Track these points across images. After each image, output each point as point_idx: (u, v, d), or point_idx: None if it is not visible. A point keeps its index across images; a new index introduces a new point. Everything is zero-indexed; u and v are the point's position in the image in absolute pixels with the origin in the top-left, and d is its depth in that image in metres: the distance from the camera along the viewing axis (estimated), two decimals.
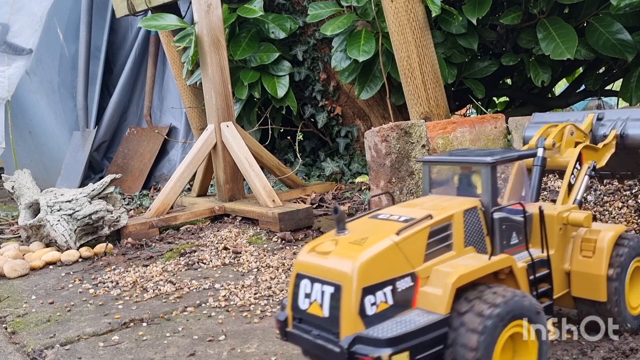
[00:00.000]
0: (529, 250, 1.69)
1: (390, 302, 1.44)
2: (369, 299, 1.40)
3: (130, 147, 6.27)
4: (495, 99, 5.66)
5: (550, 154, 2.00)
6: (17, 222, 4.20)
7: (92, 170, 6.37)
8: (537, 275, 1.70)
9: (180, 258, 3.24)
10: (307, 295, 1.49)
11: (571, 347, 1.82)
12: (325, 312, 1.44)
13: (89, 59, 6.13)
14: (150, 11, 5.09)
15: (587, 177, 1.97)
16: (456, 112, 5.29)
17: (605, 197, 2.91)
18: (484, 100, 5.09)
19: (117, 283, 2.90)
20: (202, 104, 4.82)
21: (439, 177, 1.84)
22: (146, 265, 3.14)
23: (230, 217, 4.06)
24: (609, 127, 2.19)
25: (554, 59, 3.68)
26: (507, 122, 3.47)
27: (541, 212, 1.73)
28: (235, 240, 3.49)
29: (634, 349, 1.77)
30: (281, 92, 4.74)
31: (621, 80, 4.14)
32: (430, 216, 1.55)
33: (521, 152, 1.81)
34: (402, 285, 1.46)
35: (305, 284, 1.50)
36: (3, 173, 5.16)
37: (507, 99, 5.62)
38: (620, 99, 4.15)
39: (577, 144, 2.05)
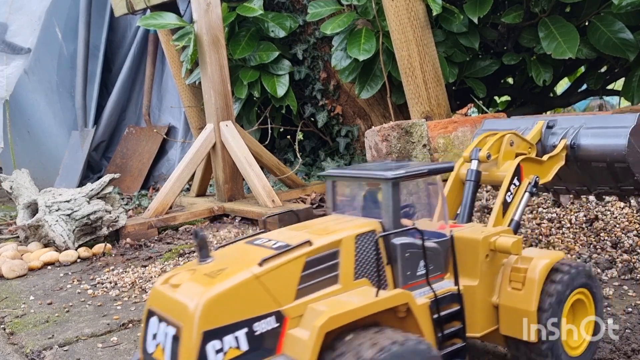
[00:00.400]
0: (429, 283, 1.45)
1: (245, 348, 1.20)
2: (213, 344, 1.17)
3: (129, 147, 6.25)
4: (496, 98, 5.65)
5: (486, 167, 1.76)
6: (15, 222, 4.18)
7: (91, 170, 6.36)
8: (443, 313, 1.45)
9: (179, 258, 3.21)
10: (154, 336, 1.27)
11: None
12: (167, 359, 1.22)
13: (88, 58, 6.10)
14: (149, 10, 5.08)
15: (527, 194, 1.74)
16: (457, 112, 5.27)
17: (607, 197, 2.89)
18: (485, 100, 5.07)
19: (116, 284, 2.88)
20: (201, 103, 4.80)
21: (344, 195, 1.59)
22: (145, 266, 3.12)
23: (230, 217, 4.04)
24: (559, 136, 1.96)
25: (556, 58, 3.67)
26: None
27: (451, 237, 1.52)
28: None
29: (635, 350, 1.75)
30: (281, 91, 4.72)
31: (623, 79, 4.13)
32: (308, 242, 1.31)
33: (432, 166, 1.53)
34: (262, 327, 1.22)
35: (154, 322, 1.27)
36: (1, 173, 5.15)
37: (509, 98, 5.61)
38: (622, 98, 4.14)
39: (519, 155, 1.82)
